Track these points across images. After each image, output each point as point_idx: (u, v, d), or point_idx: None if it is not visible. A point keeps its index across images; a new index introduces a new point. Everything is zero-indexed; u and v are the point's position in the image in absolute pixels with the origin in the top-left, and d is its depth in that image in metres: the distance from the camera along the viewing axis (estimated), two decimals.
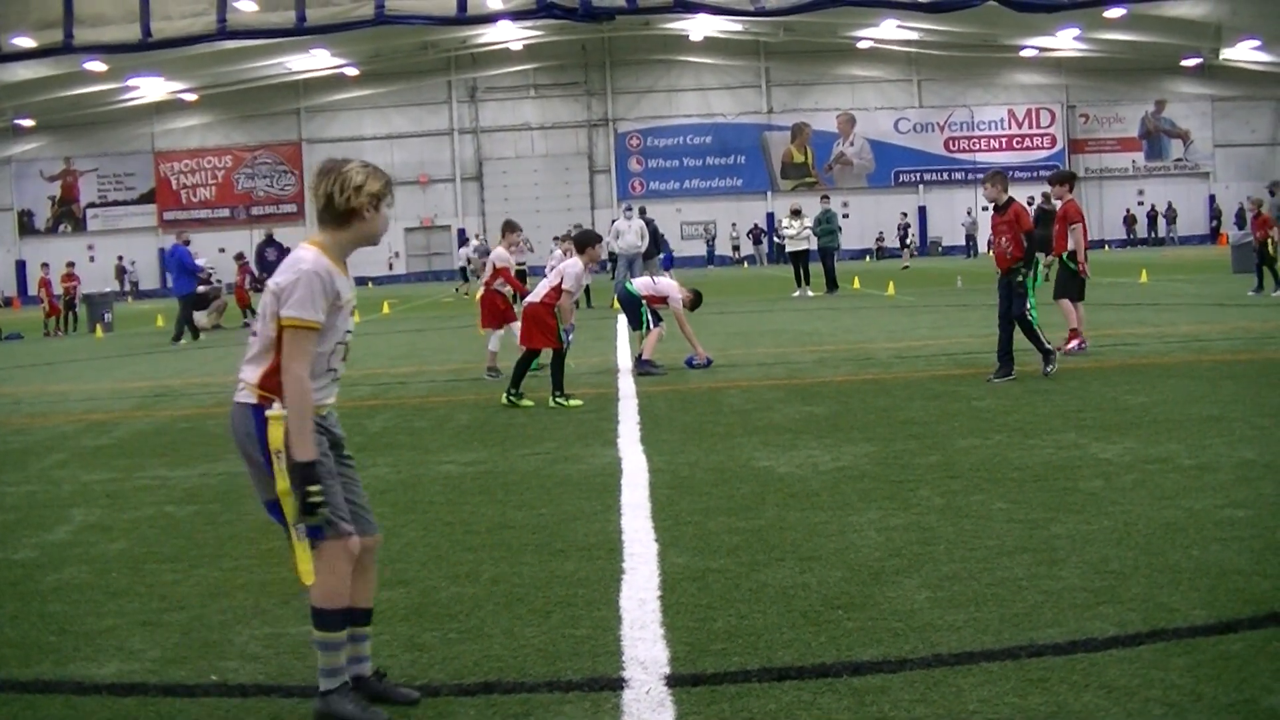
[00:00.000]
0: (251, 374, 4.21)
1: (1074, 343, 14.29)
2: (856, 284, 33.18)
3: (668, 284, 14.98)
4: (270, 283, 4.22)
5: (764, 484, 7.71)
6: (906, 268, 46.14)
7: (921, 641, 4.64)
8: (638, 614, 5.15)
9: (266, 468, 4.11)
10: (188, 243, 27.61)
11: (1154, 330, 16.54)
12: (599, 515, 7.06)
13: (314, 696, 4.22)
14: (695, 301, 15.24)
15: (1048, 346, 12.11)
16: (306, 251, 4.22)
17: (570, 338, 12.30)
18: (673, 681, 4.36)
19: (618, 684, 4.36)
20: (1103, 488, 7.13)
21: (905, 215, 58.33)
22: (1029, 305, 12.06)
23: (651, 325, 14.49)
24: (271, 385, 4.16)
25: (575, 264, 12.35)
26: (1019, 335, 12.11)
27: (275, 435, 4.08)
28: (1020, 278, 12.10)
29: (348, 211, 4.23)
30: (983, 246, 62.18)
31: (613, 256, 28.65)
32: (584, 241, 12.77)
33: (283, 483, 4.06)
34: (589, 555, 6.15)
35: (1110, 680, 4.16)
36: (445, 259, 63.25)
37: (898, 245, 55.67)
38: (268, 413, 4.11)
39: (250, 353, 4.26)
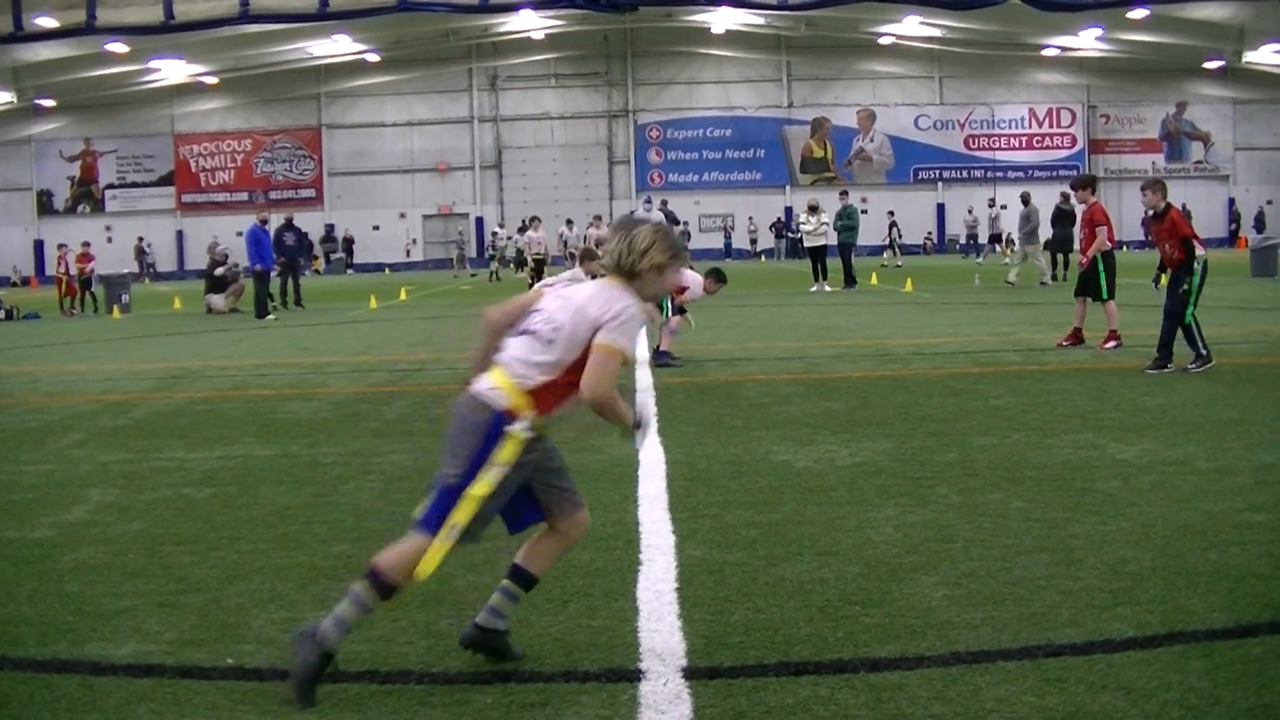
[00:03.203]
0: (527, 376, 4.25)
1: (1111, 342, 14.53)
2: (874, 280, 33.11)
3: (689, 275, 14.88)
4: (586, 300, 4.27)
5: (781, 478, 7.70)
6: (892, 266, 45.77)
7: (939, 639, 4.63)
8: (655, 605, 5.14)
9: (473, 465, 4.21)
10: (264, 222, 27.61)
11: None
12: (616, 506, 7.05)
13: (307, 631, 4.25)
14: (719, 279, 14.92)
15: (1203, 351, 12.25)
16: (624, 292, 4.32)
17: None
18: (689, 674, 4.35)
19: (634, 675, 4.36)
20: (1121, 489, 7.11)
21: (892, 214, 58.06)
22: (1189, 308, 12.30)
23: (672, 316, 14.42)
24: (544, 398, 4.23)
25: None
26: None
27: (507, 452, 4.20)
28: (1185, 286, 12.33)
29: (631, 272, 4.34)
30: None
31: None
32: None
33: (479, 489, 4.18)
34: (606, 546, 6.13)
35: (1128, 682, 4.14)
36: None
37: (893, 241, 54.86)
38: (508, 429, 4.19)
39: (537, 352, 4.27)
